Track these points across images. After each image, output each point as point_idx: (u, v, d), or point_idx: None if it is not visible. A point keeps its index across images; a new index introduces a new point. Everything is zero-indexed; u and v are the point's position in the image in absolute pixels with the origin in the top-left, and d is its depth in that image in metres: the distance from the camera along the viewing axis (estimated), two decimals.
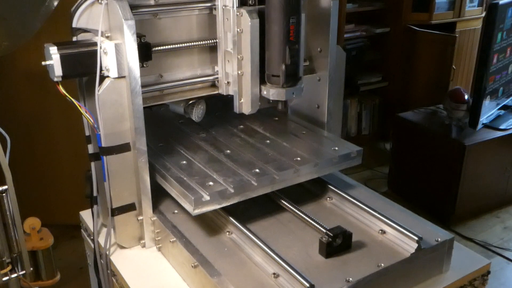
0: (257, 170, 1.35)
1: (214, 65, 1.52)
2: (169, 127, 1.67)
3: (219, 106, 1.76)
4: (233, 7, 1.36)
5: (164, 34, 1.43)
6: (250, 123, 1.69)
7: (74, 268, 2.53)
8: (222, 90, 1.50)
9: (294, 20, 1.30)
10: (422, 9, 3.87)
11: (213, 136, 1.59)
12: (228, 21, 1.39)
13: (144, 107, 1.30)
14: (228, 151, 1.48)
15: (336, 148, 1.48)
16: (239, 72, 1.41)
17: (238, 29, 1.37)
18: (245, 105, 1.44)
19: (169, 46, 1.43)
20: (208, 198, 1.24)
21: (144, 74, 1.35)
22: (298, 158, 1.42)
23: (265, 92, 1.40)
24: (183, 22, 1.46)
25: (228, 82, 1.47)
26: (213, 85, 1.53)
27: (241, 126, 1.67)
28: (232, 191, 1.27)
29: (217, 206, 1.27)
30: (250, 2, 1.36)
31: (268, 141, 1.55)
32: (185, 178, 1.32)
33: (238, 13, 1.35)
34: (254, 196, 1.32)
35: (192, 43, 1.47)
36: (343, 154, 1.46)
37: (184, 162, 1.41)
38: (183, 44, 1.45)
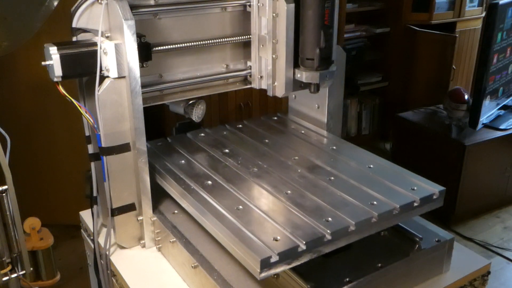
0: (329, 218, 1.14)
1: (247, 60, 1.57)
2: (211, 159, 1.47)
3: (268, 134, 1.63)
4: None
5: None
6: (304, 153, 1.49)
7: (74, 268, 2.53)
8: (255, 84, 1.54)
9: (329, 4, 1.31)
10: (422, 9, 3.86)
11: (266, 171, 1.38)
12: (263, 6, 1.41)
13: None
14: (289, 191, 1.26)
15: (415, 188, 1.28)
16: (274, 56, 1.42)
17: (274, 14, 1.38)
18: (278, 88, 1.45)
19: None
20: (277, 258, 1.02)
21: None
22: (374, 202, 1.20)
23: (298, 75, 1.41)
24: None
25: (261, 77, 1.50)
26: (245, 79, 1.59)
27: (296, 158, 1.46)
28: (304, 247, 1.06)
29: (286, 267, 1.06)
30: None
31: (332, 177, 1.33)
32: (244, 229, 1.11)
33: None
34: (327, 252, 1.12)
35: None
36: (425, 196, 1.25)
37: (240, 207, 1.20)
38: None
